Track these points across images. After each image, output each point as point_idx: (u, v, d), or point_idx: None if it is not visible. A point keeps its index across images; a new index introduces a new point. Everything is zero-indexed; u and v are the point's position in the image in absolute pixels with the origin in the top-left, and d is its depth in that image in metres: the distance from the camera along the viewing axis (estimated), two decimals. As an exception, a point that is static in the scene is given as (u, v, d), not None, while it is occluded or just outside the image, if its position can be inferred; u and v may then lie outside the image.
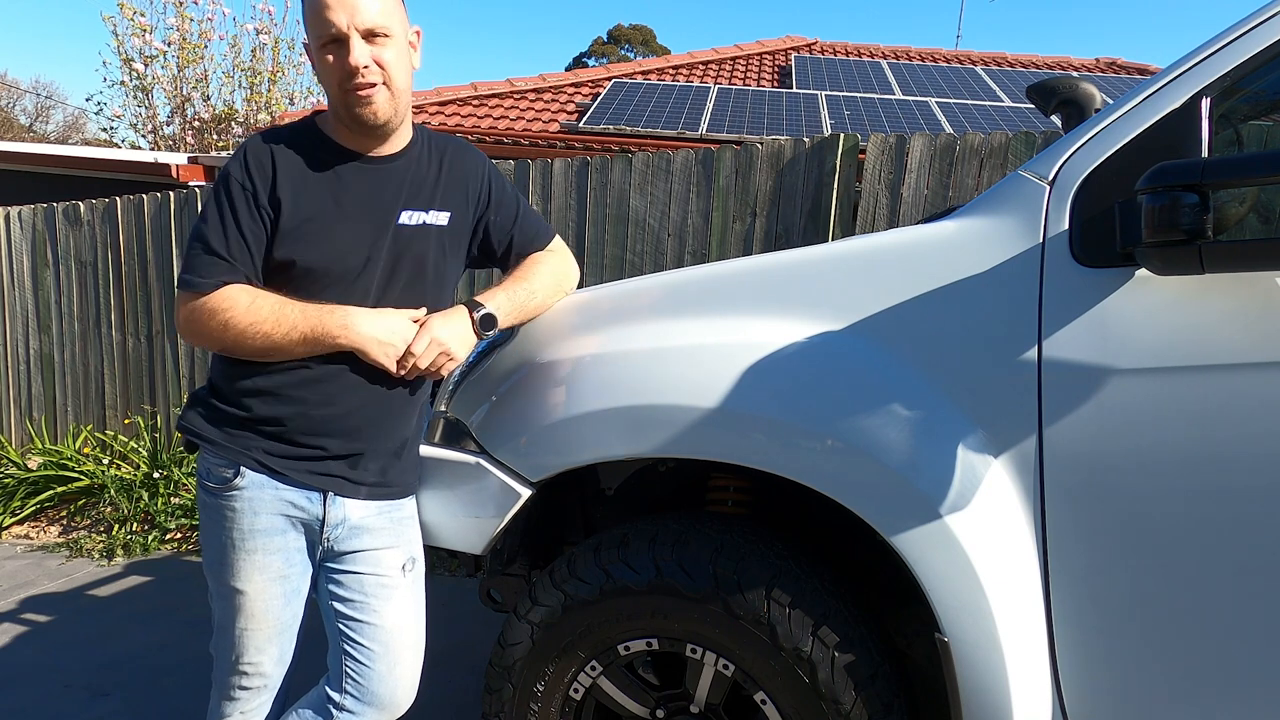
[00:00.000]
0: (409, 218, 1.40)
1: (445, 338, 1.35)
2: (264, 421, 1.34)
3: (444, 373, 1.38)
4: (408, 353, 1.34)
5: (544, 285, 1.52)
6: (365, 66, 1.28)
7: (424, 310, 1.41)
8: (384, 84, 1.31)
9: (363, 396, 1.37)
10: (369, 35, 1.28)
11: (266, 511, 1.35)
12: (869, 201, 3.49)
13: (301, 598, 1.43)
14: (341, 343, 1.31)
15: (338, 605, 1.43)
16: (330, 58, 1.29)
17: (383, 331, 1.33)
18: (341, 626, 1.43)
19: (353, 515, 1.40)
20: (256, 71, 12.91)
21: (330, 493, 1.38)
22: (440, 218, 1.44)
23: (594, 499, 1.79)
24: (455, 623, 2.98)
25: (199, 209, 4.59)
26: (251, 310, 1.28)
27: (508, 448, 1.48)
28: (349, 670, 1.42)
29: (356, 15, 1.26)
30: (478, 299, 1.42)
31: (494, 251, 1.56)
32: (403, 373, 1.35)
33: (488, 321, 1.40)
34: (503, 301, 1.44)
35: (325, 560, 1.43)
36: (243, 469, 1.34)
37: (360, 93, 1.29)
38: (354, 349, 1.32)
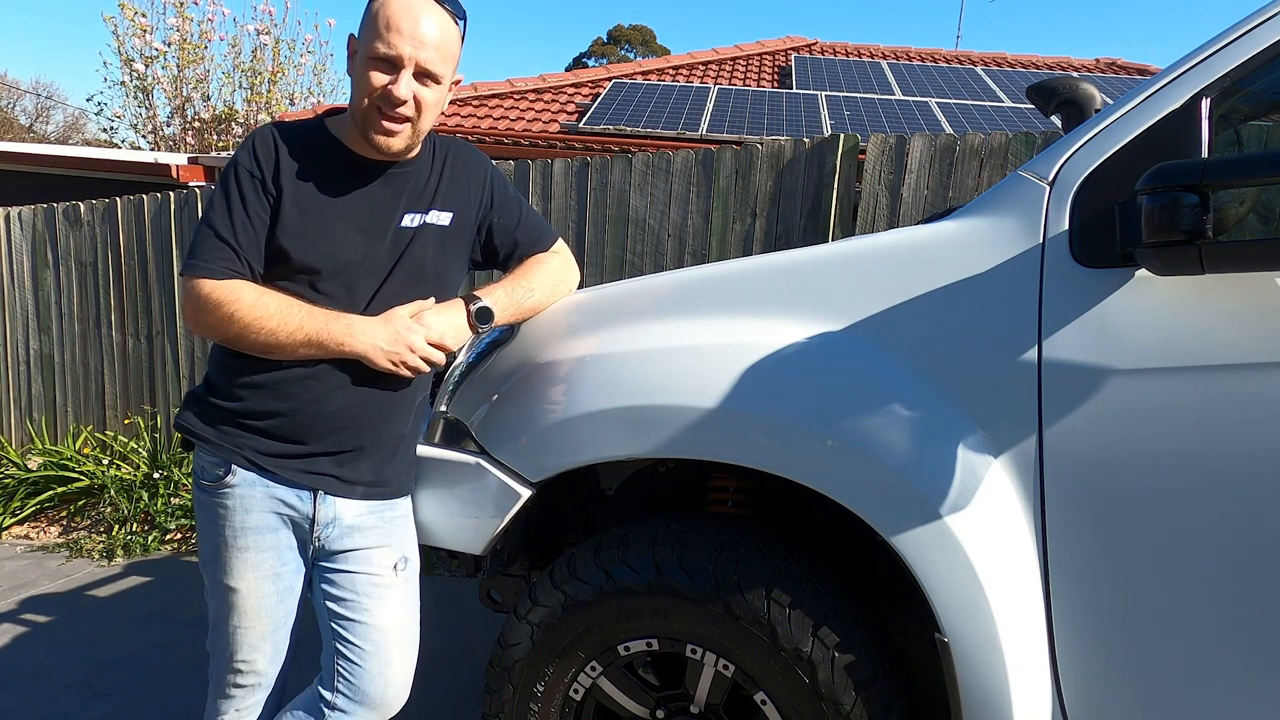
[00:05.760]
0: (410, 220, 1.40)
1: (440, 330, 1.36)
2: (258, 417, 1.35)
3: (436, 363, 1.38)
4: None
5: (542, 284, 1.52)
6: (405, 101, 1.29)
7: (432, 300, 1.41)
8: (411, 121, 1.32)
9: (358, 394, 1.37)
10: (420, 73, 1.29)
11: (258, 509, 1.35)
12: (869, 202, 3.49)
13: (295, 596, 1.43)
14: (346, 350, 1.31)
15: (330, 604, 1.43)
16: (375, 75, 1.28)
17: (386, 340, 1.33)
18: (334, 625, 1.43)
19: (345, 515, 1.40)
20: (257, 72, 12.91)
21: (321, 491, 1.38)
22: (442, 218, 1.44)
23: (594, 499, 1.79)
24: (455, 623, 2.98)
25: (199, 209, 4.59)
26: (257, 306, 1.28)
27: (508, 448, 1.48)
28: (340, 669, 1.42)
29: (420, 51, 1.27)
30: (476, 293, 1.43)
31: (497, 253, 1.56)
32: (392, 367, 1.34)
33: (484, 314, 1.41)
34: (500, 297, 1.45)
35: (318, 559, 1.43)
36: (234, 467, 1.34)
37: (386, 122, 1.30)
38: (358, 357, 1.32)
